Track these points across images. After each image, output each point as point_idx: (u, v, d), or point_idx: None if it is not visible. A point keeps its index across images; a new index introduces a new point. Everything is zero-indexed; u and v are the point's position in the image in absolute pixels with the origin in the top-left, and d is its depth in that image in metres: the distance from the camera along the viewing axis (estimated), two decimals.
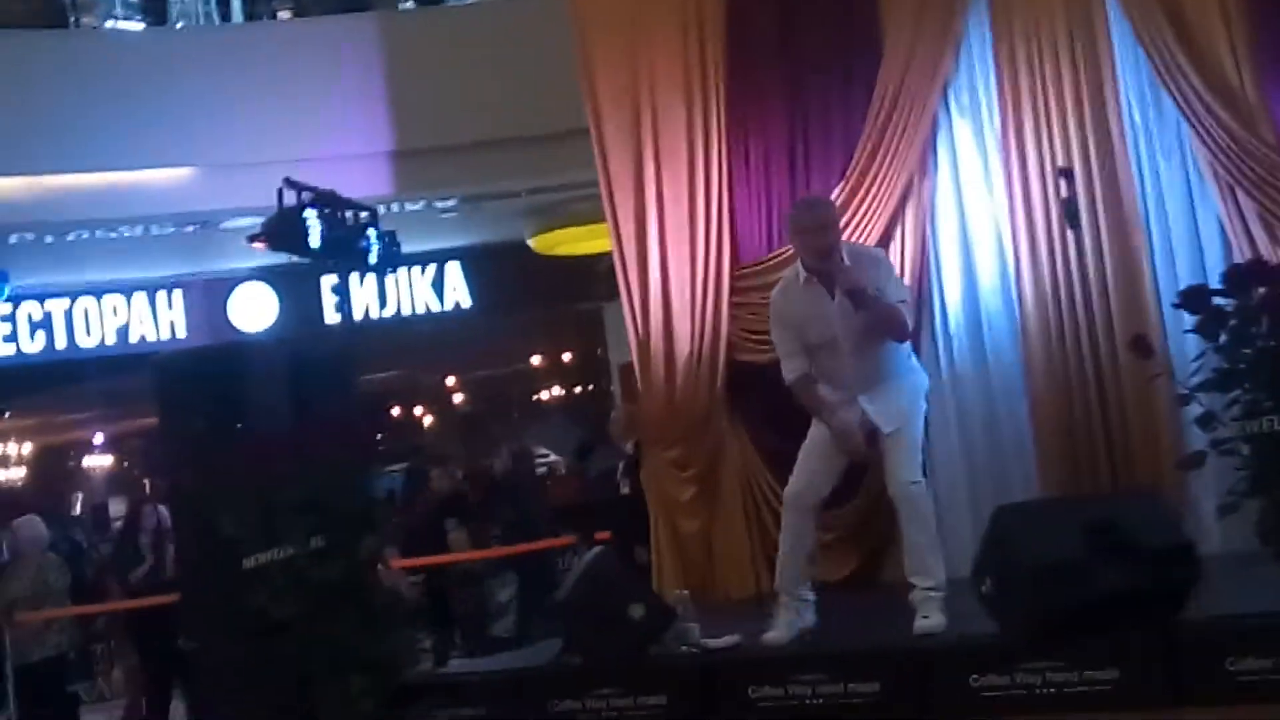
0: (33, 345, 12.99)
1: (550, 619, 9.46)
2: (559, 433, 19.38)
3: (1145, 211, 7.18)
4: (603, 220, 8.40)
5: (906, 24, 7.57)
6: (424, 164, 11.23)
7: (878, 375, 5.85)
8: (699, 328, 7.96)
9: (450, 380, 22.95)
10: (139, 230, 11.84)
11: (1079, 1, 7.28)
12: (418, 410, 23.68)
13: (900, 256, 7.50)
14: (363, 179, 10.19)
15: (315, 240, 7.54)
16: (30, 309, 12.95)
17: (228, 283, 13.22)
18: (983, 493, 7.37)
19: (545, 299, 14.63)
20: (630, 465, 8.87)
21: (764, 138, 7.96)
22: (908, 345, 6.07)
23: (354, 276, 12.63)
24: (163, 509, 9.38)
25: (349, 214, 7.85)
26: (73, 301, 13.05)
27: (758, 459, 7.89)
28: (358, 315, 12.96)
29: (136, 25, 12.36)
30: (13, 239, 11.50)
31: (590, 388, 20.98)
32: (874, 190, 7.57)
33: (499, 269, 13.71)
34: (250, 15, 12.39)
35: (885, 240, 7.51)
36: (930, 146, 7.64)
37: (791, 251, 7.39)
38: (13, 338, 12.92)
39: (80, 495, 22.12)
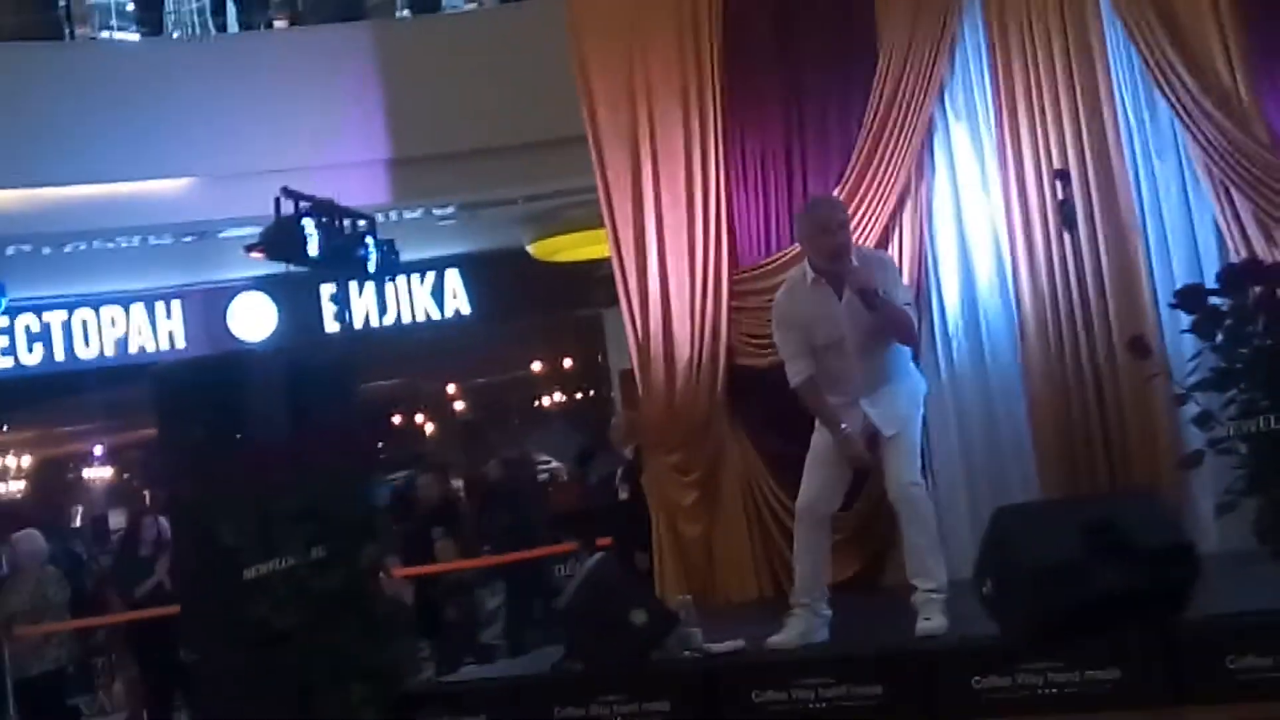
0: (31, 357, 12.92)
1: (542, 626, 9.50)
2: (560, 439, 19.35)
3: (1141, 212, 7.18)
4: (601, 226, 8.41)
5: (902, 27, 7.58)
6: (422, 172, 11.21)
7: (881, 378, 5.84)
8: (698, 332, 7.97)
9: (451, 387, 22.96)
10: (137, 241, 11.80)
11: (1073, 4, 7.29)
12: (419, 418, 23.68)
13: (898, 259, 7.46)
14: (360, 187, 10.16)
15: (313, 249, 7.52)
16: (28, 321, 12.88)
17: (226, 292, 13.17)
18: (982, 493, 7.37)
19: (545, 305, 14.60)
20: (630, 470, 8.87)
21: (761, 142, 7.97)
22: (909, 350, 6.07)
23: (353, 285, 12.62)
24: (163, 520, 9.39)
25: (347, 222, 7.83)
26: (71, 313, 12.98)
27: (759, 463, 7.89)
28: (358, 324, 12.90)
29: (132, 36, 12.33)
30: (10, 251, 11.44)
31: (590, 394, 20.93)
32: (871, 193, 7.58)
33: (498, 276, 13.69)
34: (246, 25, 12.37)
35: (883, 243, 7.51)
36: (927, 149, 7.64)
37: (790, 255, 7.46)
38: (11, 350, 12.85)
39: (80, 507, 22.04)
